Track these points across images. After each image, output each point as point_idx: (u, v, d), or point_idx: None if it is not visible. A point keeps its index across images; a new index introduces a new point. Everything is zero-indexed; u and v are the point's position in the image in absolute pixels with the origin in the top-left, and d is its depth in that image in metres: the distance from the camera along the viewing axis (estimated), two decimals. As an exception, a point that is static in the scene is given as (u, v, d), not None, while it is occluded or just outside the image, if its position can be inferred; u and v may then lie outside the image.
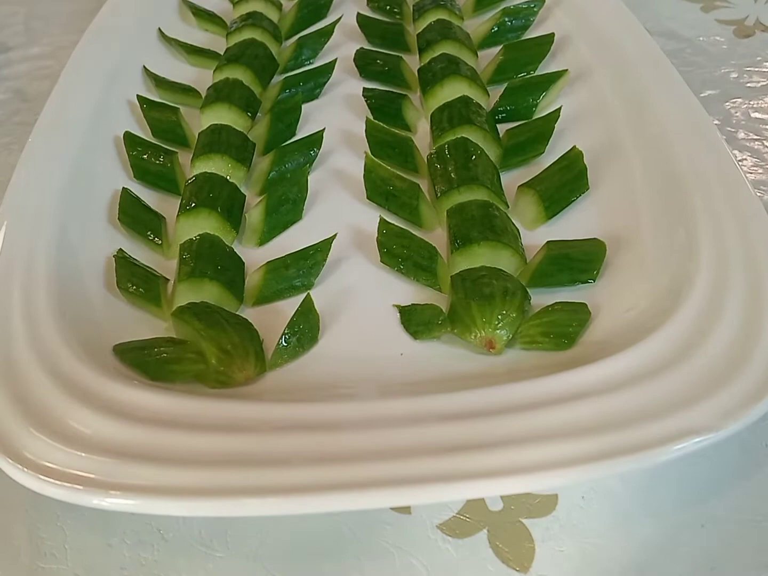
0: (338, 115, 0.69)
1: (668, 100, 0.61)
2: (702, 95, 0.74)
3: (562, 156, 0.59)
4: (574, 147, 0.59)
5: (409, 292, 0.52)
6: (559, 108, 0.64)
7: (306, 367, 0.47)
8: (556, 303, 0.49)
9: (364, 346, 0.48)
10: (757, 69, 0.77)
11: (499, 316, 0.47)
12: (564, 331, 0.47)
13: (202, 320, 0.46)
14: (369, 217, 0.57)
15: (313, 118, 0.68)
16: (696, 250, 0.49)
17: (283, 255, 0.53)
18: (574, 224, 0.56)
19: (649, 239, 0.53)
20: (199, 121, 0.67)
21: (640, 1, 0.89)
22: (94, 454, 0.38)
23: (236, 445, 0.38)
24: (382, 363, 0.47)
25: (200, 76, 0.74)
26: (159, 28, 0.78)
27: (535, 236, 0.56)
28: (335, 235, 0.53)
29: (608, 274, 0.52)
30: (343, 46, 0.78)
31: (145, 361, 0.45)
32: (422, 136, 0.66)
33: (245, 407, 0.41)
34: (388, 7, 0.82)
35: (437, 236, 0.56)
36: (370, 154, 0.60)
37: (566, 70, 0.67)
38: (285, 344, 0.47)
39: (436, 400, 0.41)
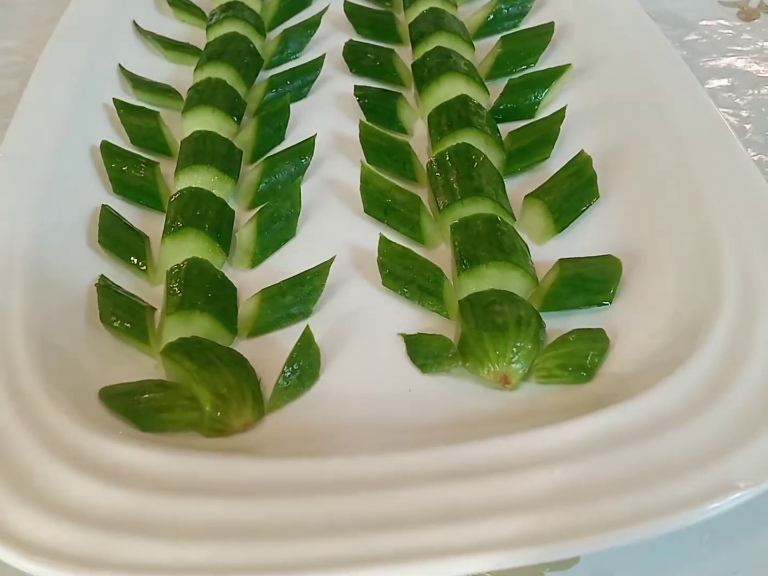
0: (329, 115, 0.65)
1: (678, 98, 0.58)
2: (708, 86, 0.70)
3: (570, 162, 0.56)
4: (582, 152, 0.56)
5: (413, 316, 0.49)
6: (564, 108, 0.60)
7: (307, 409, 0.44)
8: (573, 331, 0.46)
9: (369, 382, 0.45)
10: (764, 56, 0.74)
11: (514, 349, 0.44)
12: (582, 363, 0.44)
13: (194, 360, 0.43)
14: (367, 233, 0.53)
15: (302, 119, 0.64)
16: (720, 266, 0.46)
17: (279, 281, 0.49)
18: (585, 236, 0.53)
19: (666, 252, 0.50)
20: (180, 125, 0.62)
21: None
22: (83, 527, 0.35)
23: (234, 514, 0.35)
24: (388, 401, 0.44)
25: (180, 74, 0.70)
26: (134, 21, 0.73)
27: (545, 251, 0.52)
28: (333, 258, 0.50)
29: (625, 293, 0.49)
30: (331, 37, 0.73)
31: (134, 409, 0.42)
32: (419, 139, 0.62)
33: (243, 468, 0.37)
34: (378, -6, 0.78)
35: (441, 252, 0.53)
36: (366, 163, 0.56)
37: (569, 64, 0.64)
38: (284, 383, 0.44)
39: (448, 453, 0.37)
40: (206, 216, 0.52)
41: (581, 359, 0.44)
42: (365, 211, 0.54)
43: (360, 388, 0.45)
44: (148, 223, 0.56)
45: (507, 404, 0.43)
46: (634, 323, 0.47)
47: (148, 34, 0.72)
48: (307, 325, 0.46)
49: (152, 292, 0.51)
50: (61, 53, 0.66)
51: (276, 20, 0.76)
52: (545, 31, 0.68)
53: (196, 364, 0.43)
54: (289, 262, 0.53)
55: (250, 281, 0.51)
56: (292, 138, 0.62)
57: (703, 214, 0.50)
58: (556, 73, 0.63)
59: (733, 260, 0.45)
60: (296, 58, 0.71)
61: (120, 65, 0.68)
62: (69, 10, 0.72)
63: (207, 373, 0.42)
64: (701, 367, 0.41)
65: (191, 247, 0.51)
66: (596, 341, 0.45)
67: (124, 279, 0.52)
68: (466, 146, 0.56)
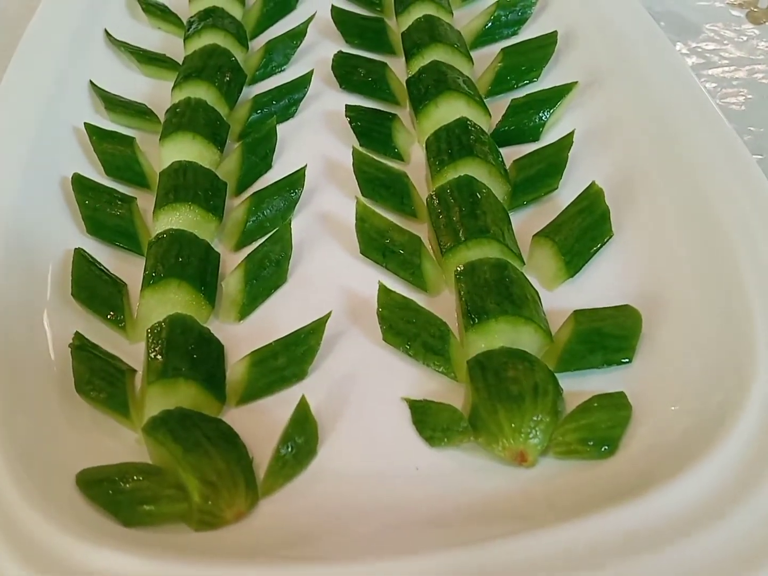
0: (319, 138, 0.60)
1: (691, 118, 0.54)
2: (722, 100, 0.66)
3: (581, 196, 0.52)
4: (593, 184, 0.52)
5: (417, 375, 0.45)
6: (572, 133, 0.56)
7: (304, 491, 0.40)
8: (593, 398, 0.42)
9: (371, 458, 0.41)
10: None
11: (531, 423, 0.40)
12: (604, 435, 0.40)
13: (180, 441, 0.39)
14: (364, 277, 0.50)
15: (290, 143, 0.60)
16: (750, 320, 0.42)
17: (270, 342, 0.45)
18: (598, 279, 0.50)
19: (688, 299, 0.47)
20: (158, 149, 0.58)
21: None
22: None
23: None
24: (393, 481, 0.40)
25: (158, 89, 0.65)
26: (106, 30, 0.68)
27: (556, 296, 0.49)
28: (329, 314, 0.45)
29: (645, 347, 0.45)
30: (318, 46, 0.69)
31: (116, 501, 0.38)
32: (417, 166, 0.58)
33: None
34: (367, -2, 0.73)
35: (444, 298, 0.49)
36: (361, 199, 0.52)
37: (576, 82, 0.59)
38: (280, 464, 0.40)
39: (460, 557, 0.34)
40: (189, 263, 0.48)
41: (603, 431, 0.40)
42: (362, 252, 0.50)
43: (362, 465, 0.41)
44: (125, 265, 0.51)
45: (523, 484, 0.40)
46: (656, 384, 0.43)
47: (122, 44, 0.67)
48: (303, 396, 0.42)
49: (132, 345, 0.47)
50: (26, 68, 0.61)
51: (259, 27, 0.71)
52: (548, 42, 0.64)
53: (182, 446, 0.39)
54: (280, 311, 0.49)
55: (238, 335, 0.47)
56: (280, 165, 0.58)
57: (726, 258, 0.46)
58: (562, 92, 0.59)
59: (764, 319, 0.42)
60: (282, 71, 0.66)
61: (91, 82, 0.63)
62: (35, 18, 0.67)
63: (194, 457, 0.38)
64: (731, 452, 0.37)
65: (173, 299, 0.47)
66: (618, 409, 0.41)
67: (101, 331, 0.47)
68: (468, 179, 0.52)
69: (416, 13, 0.68)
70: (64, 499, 0.38)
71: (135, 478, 0.39)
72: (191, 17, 0.69)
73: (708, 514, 0.35)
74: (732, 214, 0.48)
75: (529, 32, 0.68)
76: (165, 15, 0.71)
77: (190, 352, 0.43)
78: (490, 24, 0.68)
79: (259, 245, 0.50)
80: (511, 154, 0.58)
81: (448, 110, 0.58)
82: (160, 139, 0.57)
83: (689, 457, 0.37)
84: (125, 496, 0.38)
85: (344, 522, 0.38)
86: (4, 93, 0.58)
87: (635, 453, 0.40)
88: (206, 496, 0.38)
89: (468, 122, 0.56)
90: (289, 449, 0.40)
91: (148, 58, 0.66)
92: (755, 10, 0.76)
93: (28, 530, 0.35)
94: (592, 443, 0.40)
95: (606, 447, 0.40)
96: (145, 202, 0.55)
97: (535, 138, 0.59)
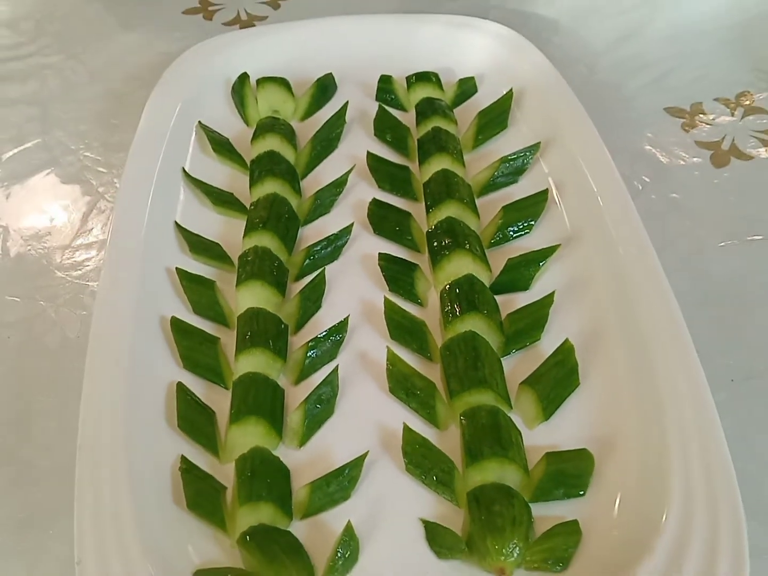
0: (358, 281, 0.77)
1: (646, 291, 0.70)
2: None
3: (557, 350, 0.69)
4: (567, 341, 0.69)
5: (431, 499, 0.62)
6: (553, 293, 0.72)
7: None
8: (554, 527, 0.59)
9: (397, 565, 0.58)
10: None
11: (509, 547, 0.57)
12: (560, 556, 0.57)
13: (265, 553, 0.56)
14: (393, 411, 0.67)
15: (335, 285, 0.76)
16: (669, 469, 0.59)
17: (324, 474, 0.62)
18: (565, 420, 0.66)
19: (629, 443, 0.63)
20: (234, 288, 0.74)
21: (622, 116, 0.97)
22: None
23: None
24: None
25: (229, 225, 0.82)
26: (183, 169, 0.85)
27: (534, 434, 0.66)
28: (367, 453, 0.63)
29: (596, 481, 0.62)
30: (356, 188, 0.85)
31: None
32: (433, 308, 0.75)
33: None
34: (395, 141, 0.89)
35: (451, 433, 0.66)
36: (391, 349, 0.69)
37: (559, 245, 0.76)
38: (333, 567, 0.57)
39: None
40: (264, 403, 0.65)
41: (559, 552, 0.57)
42: (390, 391, 0.67)
43: (391, 569, 0.58)
44: (213, 394, 0.68)
45: (503, 589, 0.57)
46: (601, 512, 0.60)
47: (199, 184, 0.83)
48: (349, 521, 0.59)
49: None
50: (128, 217, 0.77)
51: (308, 168, 0.88)
52: (540, 200, 0.81)
53: (267, 558, 0.56)
54: (330, 439, 0.66)
55: (300, 459, 0.64)
56: (328, 305, 0.74)
57: (656, 417, 0.63)
58: (548, 252, 0.76)
59: (678, 478, 0.58)
60: (327, 214, 0.83)
61: (176, 222, 0.80)
62: (127, 172, 0.81)
63: (275, 567, 0.56)
64: (655, 561, 0.54)
65: (252, 431, 0.63)
66: (572, 534, 0.58)
67: (199, 451, 0.65)
68: (472, 335, 0.69)
69: (435, 163, 0.84)
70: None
71: (238, 577, 0.56)
72: (253, 160, 0.85)
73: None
74: (669, 385, 0.64)
75: (526, 180, 0.85)
76: (231, 155, 0.87)
77: (267, 479, 0.61)
78: (495, 176, 0.84)
79: (315, 388, 0.67)
80: (505, 301, 0.74)
81: (458, 265, 0.74)
82: (236, 285, 0.74)
83: (624, 566, 0.55)
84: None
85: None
86: (114, 246, 0.74)
87: (584, 565, 0.58)
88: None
89: (473, 279, 0.73)
90: (339, 557, 0.57)
91: (221, 201, 0.82)
92: (719, 152, 0.92)
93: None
94: (551, 562, 0.57)
95: (561, 564, 0.57)
96: (225, 336, 0.72)
97: (526, 288, 0.75)
